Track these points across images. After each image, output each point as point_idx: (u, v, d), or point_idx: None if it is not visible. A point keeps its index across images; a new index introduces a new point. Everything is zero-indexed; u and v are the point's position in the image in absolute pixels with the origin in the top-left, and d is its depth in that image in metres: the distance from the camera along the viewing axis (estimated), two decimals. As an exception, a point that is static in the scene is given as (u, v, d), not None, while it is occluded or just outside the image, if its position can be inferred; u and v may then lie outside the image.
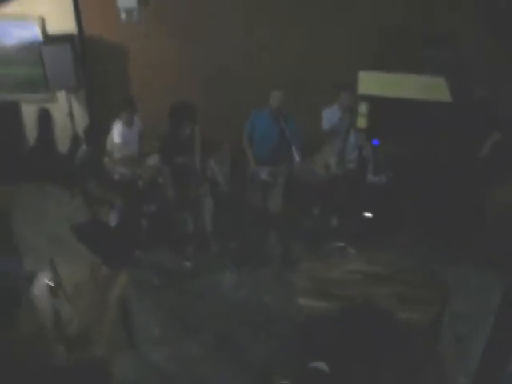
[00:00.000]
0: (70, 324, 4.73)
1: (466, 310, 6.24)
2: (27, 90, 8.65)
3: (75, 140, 8.48)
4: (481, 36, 7.09)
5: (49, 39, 8.24)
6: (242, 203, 7.49)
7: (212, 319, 6.14)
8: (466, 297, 6.39)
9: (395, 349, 4.84)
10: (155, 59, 8.36)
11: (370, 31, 7.71)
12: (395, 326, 4.80)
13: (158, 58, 8.34)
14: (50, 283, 4.90)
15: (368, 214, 7.06)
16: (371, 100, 4.52)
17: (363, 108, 4.53)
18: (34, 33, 8.34)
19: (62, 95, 8.57)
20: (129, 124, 7.39)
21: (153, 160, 7.22)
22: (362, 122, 4.56)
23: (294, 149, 6.53)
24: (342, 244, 7.11)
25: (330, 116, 7.12)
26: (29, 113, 8.72)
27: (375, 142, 6.00)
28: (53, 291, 4.89)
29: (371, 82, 4.77)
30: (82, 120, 8.66)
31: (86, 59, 8.44)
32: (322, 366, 4.49)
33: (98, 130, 6.96)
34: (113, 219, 6.88)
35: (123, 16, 8.00)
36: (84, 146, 6.81)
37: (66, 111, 8.51)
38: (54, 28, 8.28)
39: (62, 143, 8.69)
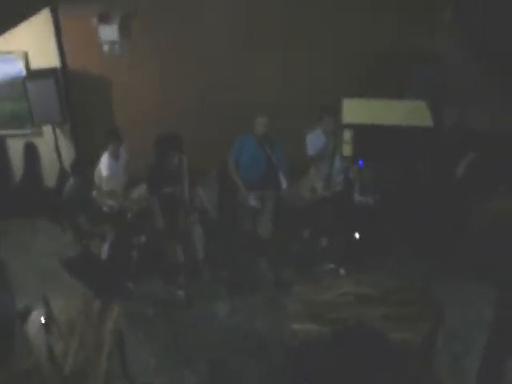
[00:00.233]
0: (65, 360, 4.73)
1: (460, 328, 6.30)
2: (12, 125, 8.65)
3: (62, 174, 8.50)
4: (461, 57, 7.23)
5: (33, 74, 8.27)
6: (231, 230, 7.53)
7: (206, 348, 6.15)
8: (459, 314, 6.45)
9: (389, 369, 4.87)
10: (139, 90, 8.43)
11: (354, 55, 7.85)
12: (388, 346, 4.83)
13: (142, 89, 8.41)
14: (43, 320, 4.91)
15: (357, 235, 7.13)
16: (355, 127, 4.61)
17: (347, 136, 4.60)
18: (17, 68, 8.38)
19: (47, 129, 8.59)
20: (115, 156, 7.44)
21: (140, 191, 7.26)
22: (347, 150, 4.63)
23: (280, 174, 6.59)
24: (333, 266, 7.17)
25: (314, 141, 7.22)
26: (15, 148, 8.77)
27: (360, 163, 6.08)
28: (46, 328, 4.90)
29: (355, 110, 4.85)
30: (68, 154, 8.70)
31: (70, 93, 8.48)
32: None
33: (84, 164, 6.99)
34: (104, 252, 6.89)
35: (105, 49, 8.11)
36: (71, 180, 6.83)
37: (52, 145, 8.53)
38: (37, 63, 8.32)
39: (49, 177, 8.73)
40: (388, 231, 7.06)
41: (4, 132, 8.71)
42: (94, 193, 7.23)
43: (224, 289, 7.01)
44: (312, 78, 8.04)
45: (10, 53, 8.29)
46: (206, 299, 6.85)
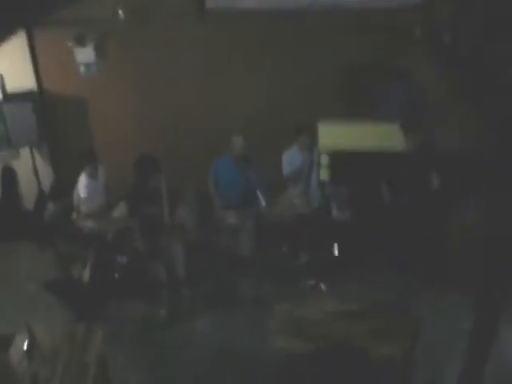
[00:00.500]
0: (50, 386, 4.73)
1: (439, 339, 6.41)
2: (-11, 147, 8.64)
3: (41, 196, 8.50)
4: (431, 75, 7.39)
5: (9, 97, 8.27)
6: (212, 248, 7.58)
7: (189, 365, 6.18)
8: (438, 325, 6.56)
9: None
10: (116, 111, 8.47)
11: (328, 73, 7.96)
12: (371, 361, 4.91)
13: (118, 109, 8.46)
14: (26, 346, 4.90)
15: (336, 251, 7.22)
16: (331, 152, 4.73)
17: (324, 160, 4.71)
18: (-7, 91, 8.39)
19: (25, 151, 8.58)
20: (93, 176, 7.45)
21: (120, 211, 7.27)
22: (324, 174, 4.74)
23: (259, 193, 6.67)
24: (313, 282, 7.25)
25: (290, 159, 7.33)
26: (-8, 170, 8.74)
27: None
28: (29, 355, 4.89)
29: (330, 135, 4.98)
30: (46, 175, 8.70)
31: (47, 114, 8.49)
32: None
33: (63, 186, 7.00)
34: (86, 274, 6.90)
35: (82, 70, 8.14)
36: (51, 205, 6.84)
37: (30, 167, 8.52)
38: (13, 85, 8.33)
39: (28, 199, 8.71)
40: (366, 246, 7.14)
41: (-19, 154, 8.68)
42: (74, 214, 7.24)
43: (205, 306, 7.05)
44: (288, 95, 8.13)
45: (-15, 76, 8.30)
46: (187, 317, 6.88)
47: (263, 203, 6.63)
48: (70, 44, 7.98)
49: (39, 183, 8.59)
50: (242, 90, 8.18)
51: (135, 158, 6.63)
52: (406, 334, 5.30)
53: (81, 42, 8.02)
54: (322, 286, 7.18)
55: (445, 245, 6.98)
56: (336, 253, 7.22)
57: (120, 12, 7.85)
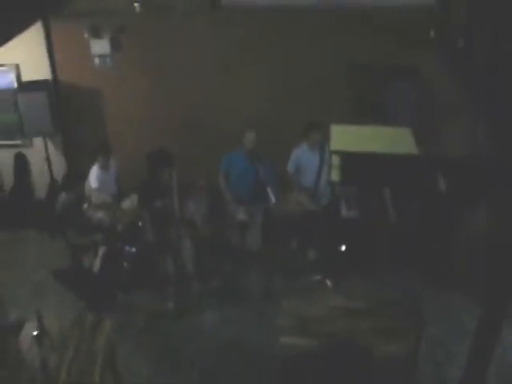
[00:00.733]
0: (59, 372, 4.82)
1: (443, 337, 6.47)
2: (3, 136, 8.75)
3: (53, 185, 8.59)
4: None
5: (24, 86, 8.36)
6: (221, 243, 7.65)
7: (196, 359, 6.27)
8: (442, 324, 6.63)
9: (375, 381, 5.02)
10: (129, 103, 8.53)
11: (340, 70, 7.98)
12: (375, 358, 4.97)
13: (132, 102, 8.52)
14: (36, 333, 4.99)
15: (343, 248, 7.28)
16: (343, 154, 4.78)
17: (335, 161, 4.76)
18: (9, 80, 8.48)
19: (38, 141, 8.67)
20: (105, 168, 7.53)
21: (131, 203, 7.34)
22: (335, 175, 4.79)
23: (269, 189, 6.72)
24: (320, 277, 7.32)
25: (298, 156, 7.41)
26: (5, 159, 8.83)
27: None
28: (39, 341, 4.98)
29: (342, 137, 5.02)
30: (58, 165, 8.79)
31: (61, 105, 8.57)
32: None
33: (76, 177, 7.08)
34: (96, 264, 6.99)
35: (96, 62, 8.19)
36: (63, 195, 6.92)
37: (43, 156, 8.60)
38: (29, 75, 8.42)
39: (40, 188, 8.81)
40: (374, 245, 7.19)
41: (-5, 143, 8.80)
42: (85, 205, 7.32)
43: (213, 300, 7.13)
44: (299, 93, 8.16)
45: (1, 65, 8.40)
46: (195, 311, 6.97)
47: (273, 200, 6.68)
48: (85, 35, 8.03)
49: (51, 173, 8.67)
50: (255, 86, 8.21)
51: (149, 152, 6.69)
52: (411, 333, 5.37)
53: (96, 33, 8.06)
54: (328, 283, 7.25)
55: (451, 245, 7.03)
56: (343, 250, 7.26)
57: (136, 5, 7.90)
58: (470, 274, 6.66)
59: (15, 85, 8.46)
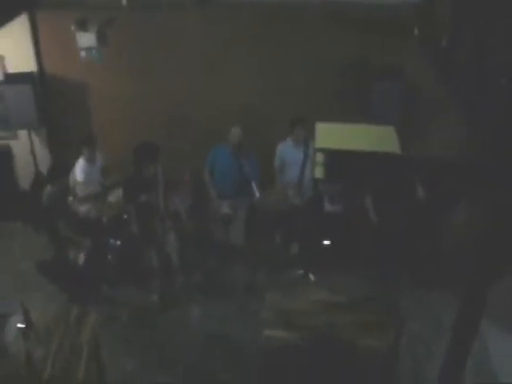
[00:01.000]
0: (44, 365, 4.85)
1: (423, 333, 6.58)
2: (-13, 128, 8.72)
3: (37, 178, 8.58)
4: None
5: (9, 78, 8.33)
6: (205, 237, 7.70)
7: (180, 352, 6.33)
8: (424, 321, 6.74)
9: (357, 376, 5.11)
10: (115, 97, 8.53)
11: (326, 66, 8.04)
12: (357, 352, 5.06)
13: (118, 95, 8.51)
14: (21, 326, 5.02)
15: (326, 242, 7.35)
16: (327, 151, 4.86)
17: (319, 159, 4.83)
18: (-6, 72, 8.45)
19: (23, 133, 8.65)
20: (91, 160, 7.54)
21: (116, 196, 7.37)
22: (318, 172, 4.87)
23: (253, 184, 6.78)
24: (302, 271, 7.39)
25: (283, 151, 7.47)
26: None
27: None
28: (24, 333, 5.01)
29: (327, 135, 5.10)
30: (43, 157, 8.79)
31: (46, 97, 8.56)
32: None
33: (61, 170, 7.09)
34: (80, 256, 7.01)
35: (83, 55, 8.17)
36: (49, 188, 6.93)
37: (28, 149, 8.60)
38: (14, 67, 8.39)
39: (24, 181, 8.80)
40: (357, 240, 7.27)
41: (-21, 135, 8.76)
42: (70, 198, 7.33)
43: (197, 294, 7.19)
44: (285, 89, 8.21)
45: (-14, 57, 8.36)
46: (179, 304, 7.03)
47: (257, 194, 6.74)
48: (72, 28, 8.01)
49: (36, 165, 8.67)
50: (241, 81, 8.25)
51: (135, 145, 6.71)
52: (391, 328, 5.45)
53: (83, 26, 8.03)
54: (311, 277, 7.32)
55: (432, 243, 7.13)
56: (326, 245, 7.34)
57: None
58: (451, 271, 6.76)
59: (1, 77, 8.42)
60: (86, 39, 8.05)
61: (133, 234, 6.85)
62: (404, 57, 7.68)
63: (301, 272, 7.42)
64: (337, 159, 4.65)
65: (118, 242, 7.11)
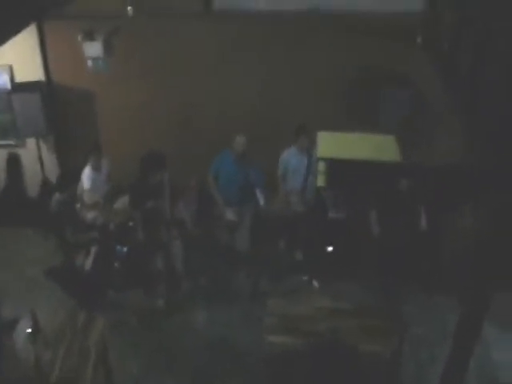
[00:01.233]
0: (52, 369, 4.95)
1: (427, 338, 6.65)
2: (-3, 135, 8.86)
3: (45, 185, 8.70)
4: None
5: (18, 87, 8.46)
6: (210, 243, 7.79)
7: (187, 356, 6.42)
8: (426, 325, 6.81)
9: (360, 380, 5.18)
10: (122, 105, 8.64)
11: (331, 74, 8.15)
12: (360, 358, 5.14)
13: (125, 104, 8.63)
14: (30, 330, 5.11)
15: (329, 249, 7.43)
16: (329, 160, 4.97)
17: (322, 167, 4.95)
18: (3, 80, 8.56)
19: (31, 141, 8.78)
20: (97, 168, 7.64)
21: (123, 203, 7.46)
22: (321, 180, 4.98)
23: (258, 191, 6.88)
24: (306, 277, 7.49)
25: (287, 159, 7.59)
26: (-2, 158, 8.96)
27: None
28: (33, 338, 5.11)
29: (329, 144, 5.22)
30: (51, 165, 8.92)
31: (54, 106, 8.68)
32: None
33: (69, 177, 7.20)
34: (88, 262, 7.11)
35: (90, 64, 8.32)
36: (57, 195, 7.04)
37: (36, 156, 8.72)
38: (23, 76, 8.52)
39: (32, 188, 8.92)
40: (360, 246, 7.34)
41: (-12, 142, 8.89)
42: (78, 205, 7.44)
43: (202, 299, 7.28)
44: (290, 97, 8.32)
45: (-5, 66, 8.50)
46: (185, 309, 7.12)
47: (261, 201, 6.85)
48: (79, 38, 8.15)
49: (43, 172, 8.79)
50: (246, 90, 8.36)
51: (142, 154, 6.82)
52: (394, 334, 5.53)
53: (90, 36, 8.18)
54: (315, 283, 7.41)
55: (435, 249, 7.20)
56: (330, 251, 7.42)
57: (129, 8, 8.02)
58: (454, 276, 6.84)
59: (9, 86, 8.55)
60: (93, 49, 8.20)
61: (139, 240, 6.94)
62: (408, 64, 7.79)
63: (305, 278, 7.52)
64: (338, 168, 4.75)
65: (125, 249, 7.19)
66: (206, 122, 8.52)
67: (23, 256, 7.92)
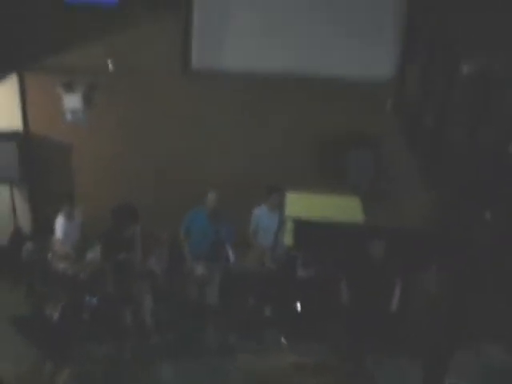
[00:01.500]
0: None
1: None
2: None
3: (17, 234, 8.70)
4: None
5: (-5, 134, 8.55)
6: (180, 296, 7.82)
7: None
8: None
9: None
10: (97, 157, 8.76)
11: (300, 138, 8.41)
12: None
13: (100, 156, 8.75)
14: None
15: (298, 307, 7.52)
16: (296, 220, 5.13)
17: (289, 227, 5.12)
18: (-21, 129, 8.64)
19: (5, 189, 8.80)
20: (70, 217, 7.70)
21: (94, 254, 7.50)
22: (288, 239, 5.15)
23: (228, 247, 7.01)
24: (276, 334, 7.53)
25: (258, 217, 7.72)
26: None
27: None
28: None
29: (296, 204, 5.41)
30: (24, 214, 8.94)
31: (29, 155, 8.75)
32: None
33: (42, 227, 7.23)
34: (56, 313, 7.09)
35: (68, 116, 8.46)
36: (29, 243, 7.06)
37: (9, 205, 8.75)
38: (0, 124, 8.60)
39: (4, 237, 8.90)
40: (328, 303, 7.43)
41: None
42: (49, 255, 7.46)
43: (170, 353, 7.26)
44: (262, 156, 8.53)
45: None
46: (152, 362, 7.09)
47: (232, 258, 6.96)
48: (58, 90, 8.30)
49: (16, 221, 8.80)
50: (221, 147, 8.58)
51: (114, 206, 6.90)
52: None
53: (69, 88, 8.35)
54: (283, 340, 7.46)
55: (400, 311, 7.31)
56: (298, 308, 7.51)
57: (109, 63, 8.23)
58: (419, 337, 6.94)
59: (-14, 133, 8.63)
60: (72, 101, 8.36)
61: (109, 291, 6.96)
62: (379, 128, 8.08)
63: (274, 335, 7.56)
64: (304, 227, 4.93)
65: (95, 300, 7.20)
66: (180, 178, 8.66)
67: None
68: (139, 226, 7.06)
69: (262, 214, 7.72)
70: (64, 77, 8.31)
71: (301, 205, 5.27)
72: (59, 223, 7.64)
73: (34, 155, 8.80)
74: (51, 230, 7.62)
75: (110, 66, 8.23)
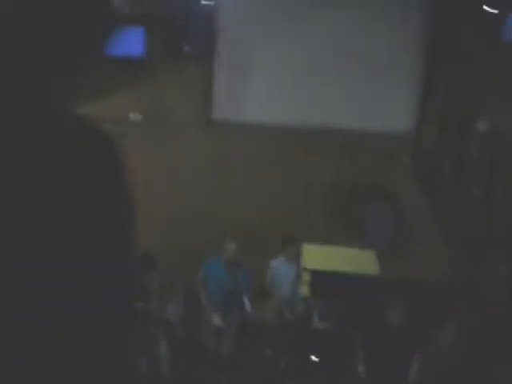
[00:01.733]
0: None
1: None
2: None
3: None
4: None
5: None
6: (196, 345, 7.81)
7: None
8: None
9: None
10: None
11: (320, 188, 8.50)
12: None
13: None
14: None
15: (314, 358, 7.48)
16: (312, 272, 5.18)
17: (306, 278, 5.16)
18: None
19: None
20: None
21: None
22: (305, 291, 5.19)
23: (245, 297, 7.03)
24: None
25: (275, 268, 7.76)
26: None
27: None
28: None
29: (312, 256, 5.46)
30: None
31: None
32: None
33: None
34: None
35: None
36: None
37: None
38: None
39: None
40: (346, 353, 7.39)
41: None
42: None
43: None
44: (280, 208, 8.60)
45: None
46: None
47: (248, 308, 6.98)
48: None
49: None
50: (240, 197, 8.67)
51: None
52: None
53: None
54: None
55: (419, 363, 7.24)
56: (315, 360, 7.47)
57: (132, 115, 8.44)
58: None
59: None
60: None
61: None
62: (394, 182, 8.15)
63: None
64: (321, 279, 4.96)
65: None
66: (199, 227, 8.74)
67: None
68: (157, 274, 7.11)
69: (278, 266, 7.75)
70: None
71: (317, 257, 5.31)
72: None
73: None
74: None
75: (133, 116, 8.43)
